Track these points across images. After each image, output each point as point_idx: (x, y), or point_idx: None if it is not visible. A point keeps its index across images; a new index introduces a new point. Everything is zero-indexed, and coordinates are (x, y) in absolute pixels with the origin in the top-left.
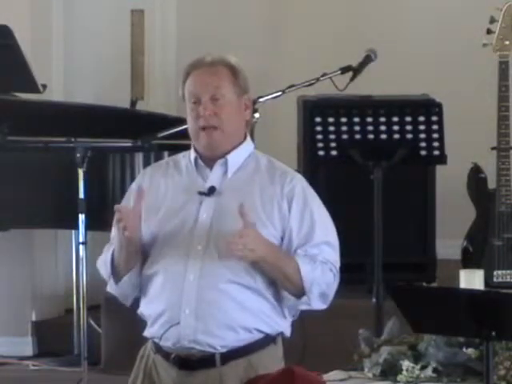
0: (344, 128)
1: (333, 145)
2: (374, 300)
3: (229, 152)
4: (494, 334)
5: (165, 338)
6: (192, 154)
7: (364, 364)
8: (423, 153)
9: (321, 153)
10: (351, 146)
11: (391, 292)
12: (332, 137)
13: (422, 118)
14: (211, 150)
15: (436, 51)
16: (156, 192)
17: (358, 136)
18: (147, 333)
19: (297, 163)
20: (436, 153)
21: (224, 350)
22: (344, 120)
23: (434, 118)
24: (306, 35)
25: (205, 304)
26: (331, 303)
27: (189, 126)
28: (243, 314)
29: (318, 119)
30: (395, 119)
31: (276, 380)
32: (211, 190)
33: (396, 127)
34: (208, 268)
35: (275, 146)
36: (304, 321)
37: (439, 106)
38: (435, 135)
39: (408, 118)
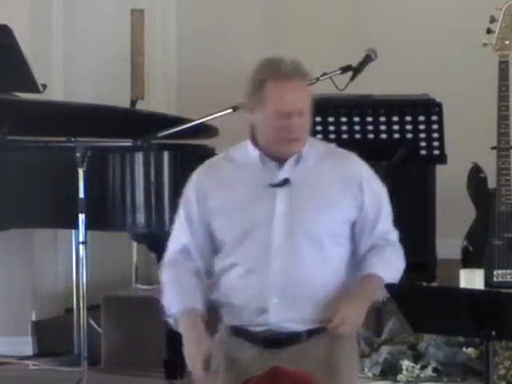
0: (344, 128)
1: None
2: None
3: None
4: (494, 333)
5: (252, 325)
6: (253, 151)
7: (364, 364)
8: (423, 152)
9: None
10: (351, 145)
11: (391, 291)
12: (332, 136)
13: (421, 118)
14: (292, 155)
15: (436, 51)
16: (221, 191)
17: (357, 136)
18: (229, 321)
19: None
20: (436, 152)
21: (308, 329)
22: (344, 120)
23: (434, 118)
24: (306, 35)
25: (292, 293)
26: None
27: (268, 131)
28: (330, 300)
29: (317, 119)
30: (395, 119)
31: (264, 380)
32: (285, 182)
33: (396, 127)
34: (292, 257)
35: None
36: None
37: (439, 105)
38: (435, 135)
39: (408, 118)
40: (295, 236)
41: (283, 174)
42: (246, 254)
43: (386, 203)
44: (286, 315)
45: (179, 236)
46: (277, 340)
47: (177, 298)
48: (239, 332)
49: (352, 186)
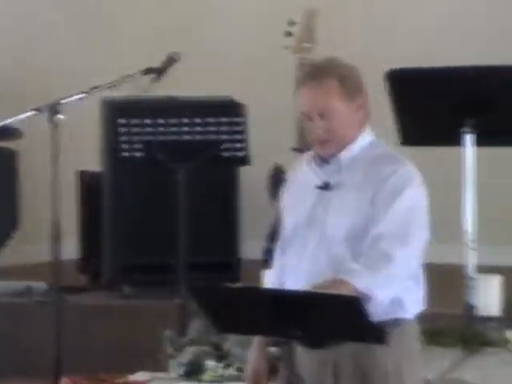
0: (148, 129)
1: (137, 146)
2: (177, 300)
3: (341, 150)
4: (299, 333)
5: None
6: (312, 151)
7: (169, 365)
8: (226, 154)
9: (125, 154)
10: (156, 147)
11: (192, 292)
12: (136, 138)
13: (224, 120)
14: (325, 156)
15: (242, 54)
16: (295, 185)
17: (162, 137)
18: None
19: (100, 164)
20: (239, 154)
21: None
22: (148, 121)
23: (237, 120)
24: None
25: None
26: (139, 305)
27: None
28: None
29: (121, 121)
30: (198, 120)
31: None
32: (326, 185)
33: (199, 128)
34: (316, 261)
35: (80, 148)
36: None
37: (242, 107)
38: (238, 136)
39: (211, 120)
40: (323, 243)
41: (327, 176)
42: (289, 253)
43: (397, 223)
44: None
45: None
46: None
47: None
48: None
49: (374, 194)
